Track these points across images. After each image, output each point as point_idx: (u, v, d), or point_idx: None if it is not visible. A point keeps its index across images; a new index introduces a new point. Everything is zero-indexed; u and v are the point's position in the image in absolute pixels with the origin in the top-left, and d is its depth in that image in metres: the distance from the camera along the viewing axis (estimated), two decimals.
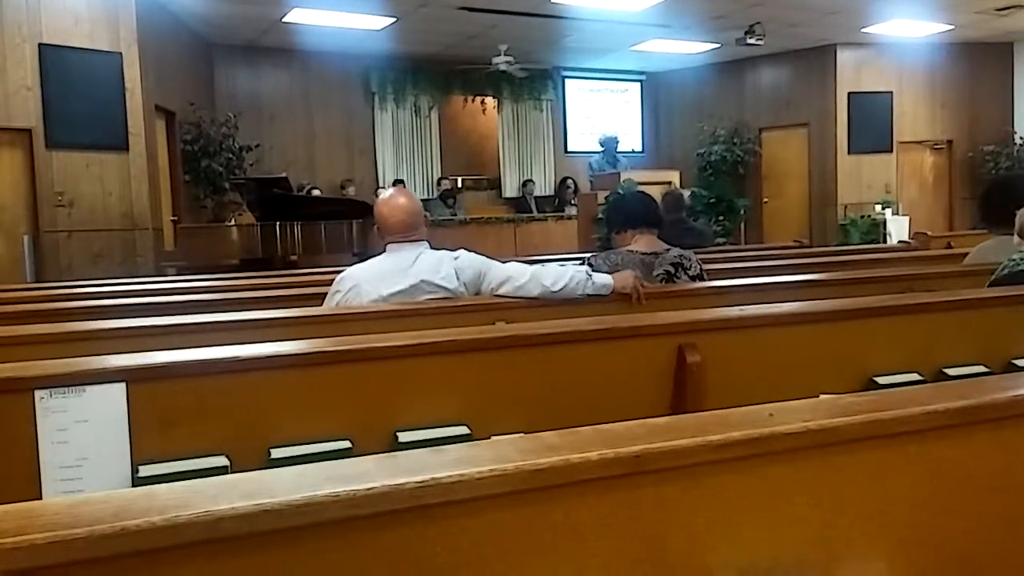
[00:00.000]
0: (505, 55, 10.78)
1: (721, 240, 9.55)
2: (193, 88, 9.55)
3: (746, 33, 9.97)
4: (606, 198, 6.29)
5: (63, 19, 7.08)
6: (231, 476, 0.96)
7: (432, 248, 2.91)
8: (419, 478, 0.90)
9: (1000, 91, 11.99)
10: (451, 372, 1.93)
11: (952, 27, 10.58)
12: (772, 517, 1.08)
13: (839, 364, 2.23)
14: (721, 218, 10.57)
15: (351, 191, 10.73)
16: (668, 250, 3.28)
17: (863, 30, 10.65)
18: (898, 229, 9.99)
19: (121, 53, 7.39)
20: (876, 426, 1.12)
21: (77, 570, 0.78)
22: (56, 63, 6.97)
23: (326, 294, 2.99)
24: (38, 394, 1.54)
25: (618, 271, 2.96)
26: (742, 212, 11.08)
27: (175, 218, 8.72)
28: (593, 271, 2.90)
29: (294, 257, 7.78)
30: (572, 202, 11.13)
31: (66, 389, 1.56)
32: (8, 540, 0.75)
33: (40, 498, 1.47)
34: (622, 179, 7.16)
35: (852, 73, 11.60)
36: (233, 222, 8.54)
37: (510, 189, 12.67)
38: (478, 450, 1.01)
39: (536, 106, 12.82)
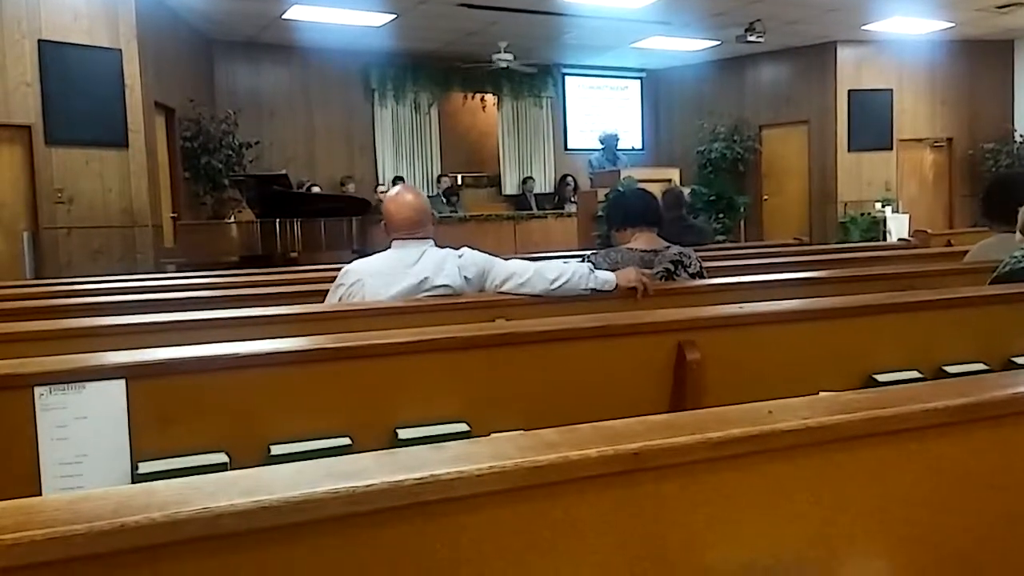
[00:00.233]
0: (505, 52, 10.77)
1: (721, 238, 9.55)
2: (193, 84, 9.54)
3: (746, 30, 9.97)
4: (606, 195, 6.29)
5: (62, 15, 7.08)
6: (231, 473, 0.96)
7: (437, 246, 2.92)
8: (418, 475, 0.90)
9: (1000, 89, 11.98)
10: (451, 369, 1.93)
11: (952, 24, 10.57)
12: (772, 514, 1.08)
13: (839, 361, 2.23)
14: (721, 215, 10.58)
15: (351, 188, 10.73)
16: (668, 248, 3.28)
17: (863, 27, 10.65)
18: (898, 227, 9.99)
19: (121, 49, 7.39)
20: (876, 423, 1.12)
21: (77, 566, 0.78)
22: (55, 59, 6.97)
23: (326, 291, 3.00)
24: (38, 391, 1.54)
25: (618, 269, 2.96)
26: (742, 210, 11.08)
27: (175, 215, 8.72)
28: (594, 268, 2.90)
29: (294, 254, 7.79)
30: (572, 199, 11.13)
31: (66, 386, 1.55)
32: (8, 536, 0.75)
33: (40, 495, 1.47)
34: (622, 176, 7.16)
35: (852, 70, 11.60)
36: (233, 219, 8.55)
37: (510, 186, 12.67)
38: (478, 447, 1.01)
39: (536, 103, 12.81)
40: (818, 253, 5.41)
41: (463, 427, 1.82)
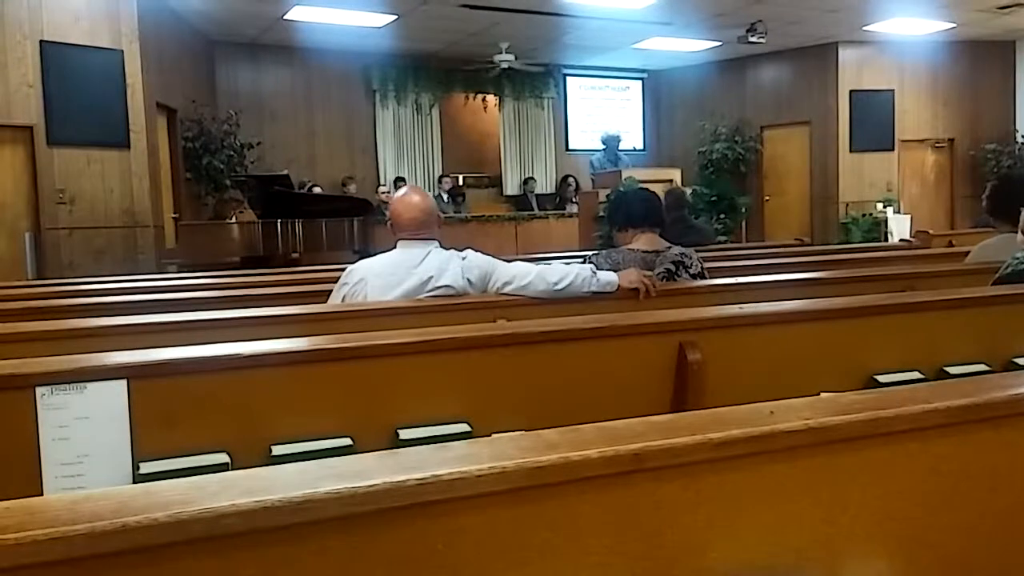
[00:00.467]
0: (507, 53, 10.77)
1: (722, 238, 9.54)
2: (194, 85, 9.55)
3: (748, 31, 9.97)
4: (607, 196, 6.28)
5: (64, 16, 7.08)
6: (232, 473, 0.96)
7: (442, 247, 2.92)
8: (420, 475, 0.90)
9: (1002, 89, 11.97)
10: (452, 369, 1.93)
11: (954, 25, 10.57)
12: (772, 515, 1.08)
13: (840, 362, 2.23)
14: (722, 216, 10.57)
15: (352, 189, 10.73)
16: (669, 248, 3.27)
17: (864, 28, 10.64)
18: (899, 227, 9.98)
19: (122, 50, 7.39)
20: (877, 424, 1.12)
21: (78, 566, 0.78)
22: (57, 60, 6.97)
23: (327, 291, 3.01)
24: (39, 391, 1.54)
25: (620, 269, 2.96)
26: (743, 210, 11.08)
27: (176, 215, 8.72)
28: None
29: (295, 255, 7.79)
30: (573, 200, 11.12)
31: (67, 386, 1.56)
32: (9, 536, 0.75)
33: (41, 495, 1.47)
34: (623, 177, 7.15)
35: (854, 71, 11.59)
36: (234, 219, 8.55)
37: (511, 187, 12.67)
38: (479, 447, 1.01)
39: (537, 104, 12.82)
40: (819, 254, 5.41)
41: (464, 427, 1.82)
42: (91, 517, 0.79)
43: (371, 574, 0.91)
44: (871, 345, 2.29)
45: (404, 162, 11.88)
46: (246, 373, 1.76)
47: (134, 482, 1.57)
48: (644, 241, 3.28)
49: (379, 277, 2.83)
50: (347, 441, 1.74)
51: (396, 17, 9.39)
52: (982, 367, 2.29)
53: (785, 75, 12.17)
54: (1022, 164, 11.41)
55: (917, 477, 1.16)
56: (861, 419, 1.11)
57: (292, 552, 0.87)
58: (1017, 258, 2.73)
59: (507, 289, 2.81)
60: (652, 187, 5.35)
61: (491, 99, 12.51)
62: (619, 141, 9.51)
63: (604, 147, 9.46)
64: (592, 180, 8.90)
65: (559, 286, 2.75)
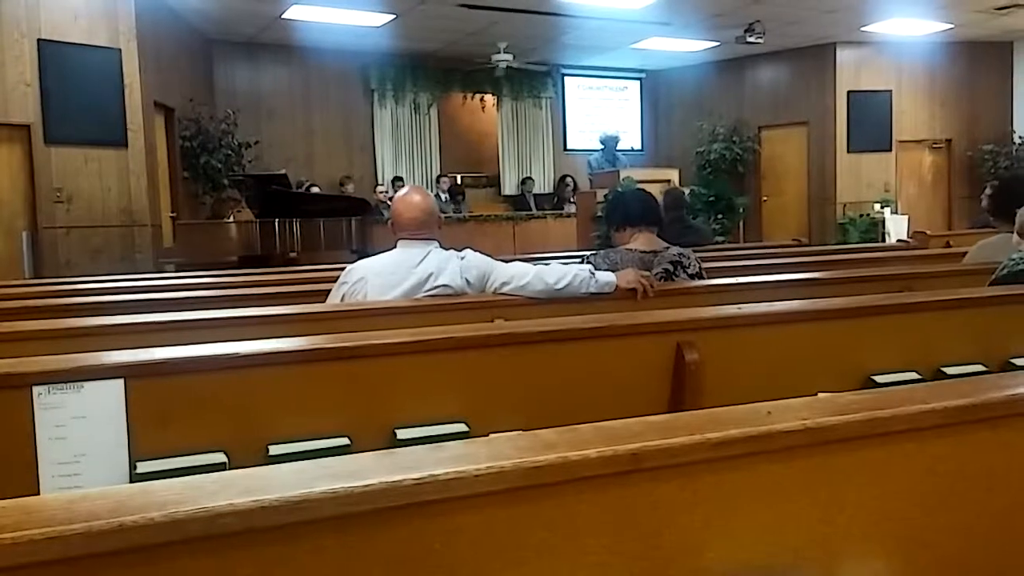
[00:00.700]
0: (505, 52, 10.77)
1: (720, 239, 9.54)
2: (192, 84, 9.54)
3: (746, 31, 9.97)
4: (605, 196, 6.29)
5: (62, 15, 7.07)
6: (229, 472, 0.96)
7: (443, 248, 2.93)
8: (417, 475, 0.90)
9: (999, 90, 11.99)
10: (450, 369, 1.93)
11: (951, 26, 10.58)
12: (769, 515, 1.08)
13: (837, 363, 2.24)
14: (720, 216, 10.58)
15: (350, 188, 10.73)
16: (667, 248, 3.28)
17: (862, 29, 10.65)
18: (897, 228, 9.98)
19: (120, 49, 7.38)
20: (874, 424, 1.12)
21: (75, 566, 0.78)
22: (55, 59, 6.96)
23: (325, 291, 3.01)
24: (36, 390, 1.53)
25: (618, 269, 2.97)
26: (741, 211, 11.09)
27: (174, 214, 8.71)
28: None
29: (293, 254, 7.79)
30: (571, 200, 11.12)
31: (64, 385, 1.55)
32: (6, 536, 0.75)
33: (38, 494, 1.47)
34: (621, 177, 7.15)
35: (851, 72, 11.60)
36: (232, 219, 8.55)
37: (509, 187, 12.67)
38: (476, 447, 1.01)
39: (535, 104, 12.82)
40: (817, 254, 5.41)
41: (462, 427, 1.82)
42: (88, 517, 0.79)
43: (368, 574, 0.91)
44: (868, 345, 2.29)
45: (402, 162, 11.88)
46: (243, 372, 1.75)
47: (131, 481, 1.57)
48: (642, 241, 3.28)
49: (379, 276, 2.84)
50: (344, 441, 1.74)
51: (394, 16, 9.39)
52: (979, 368, 2.30)
53: (783, 75, 12.18)
54: (1019, 165, 11.42)
55: (914, 477, 1.16)
56: (858, 419, 1.11)
57: (289, 552, 0.87)
58: (1014, 259, 2.73)
59: (505, 289, 2.81)
60: (650, 187, 5.36)
61: (489, 99, 12.51)
62: (617, 142, 9.51)
63: (603, 147, 9.46)
64: (590, 180, 8.90)
65: (557, 286, 2.76)
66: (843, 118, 11.59)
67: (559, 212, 11.14)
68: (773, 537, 1.09)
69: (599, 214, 6.67)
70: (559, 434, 1.04)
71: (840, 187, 11.66)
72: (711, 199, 10.60)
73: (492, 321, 2.49)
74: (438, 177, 11.76)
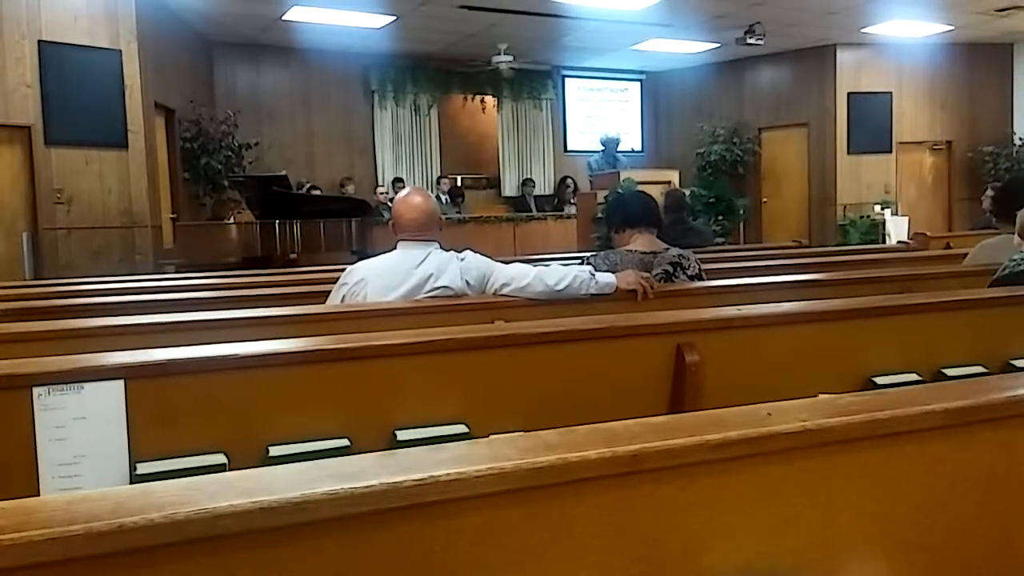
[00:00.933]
0: (505, 54, 10.78)
1: (720, 240, 9.54)
2: (193, 85, 9.54)
3: (746, 33, 9.97)
4: (605, 197, 6.29)
5: (62, 16, 7.08)
6: (229, 474, 0.96)
7: (443, 249, 2.93)
8: (417, 476, 0.90)
9: (999, 92, 11.99)
10: (450, 371, 1.93)
11: (952, 28, 10.58)
12: (769, 517, 1.08)
13: (838, 364, 2.23)
14: (720, 218, 10.57)
15: (350, 189, 10.72)
16: (667, 249, 3.28)
17: (863, 30, 10.65)
18: (897, 229, 9.98)
19: (120, 50, 7.38)
20: (874, 426, 1.12)
21: (75, 567, 0.78)
22: (55, 60, 6.97)
23: (325, 292, 3.01)
24: (36, 391, 1.53)
25: (617, 271, 2.97)
26: (741, 212, 11.08)
27: (174, 216, 8.71)
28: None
29: (293, 255, 7.79)
30: (571, 201, 11.12)
31: (64, 386, 1.55)
32: (6, 537, 0.75)
33: (38, 495, 1.47)
34: (621, 178, 7.15)
35: (852, 73, 11.60)
36: (232, 220, 8.54)
37: (509, 188, 12.67)
38: (476, 449, 1.01)
39: (536, 105, 12.82)
40: (817, 256, 5.41)
41: (462, 428, 1.82)
42: (88, 518, 0.79)
43: (368, 575, 0.91)
44: (869, 347, 2.29)
45: (402, 163, 11.88)
46: (244, 373, 1.75)
47: (131, 483, 1.57)
48: (642, 242, 3.28)
49: (380, 277, 2.84)
50: (344, 442, 1.74)
51: (395, 18, 9.39)
52: (979, 369, 2.29)
53: (783, 77, 12.18)
54: (1019, 166, 11.42)
55: (914, 479, 1.16)
56: (858, 421, 1.11)
57: (289, 553, 0.87)
58: (1014, 260, 2.73)
59: (505, 290, 2.82)
60: (650, 189, 5.36)
61: (489, 100, 12.51)
62: (618, 143, 9.51)
63: (603, 149, 9.46)
64: (590, 181, 8.90)
65: (557, 287, 2.76)
66: (843, 120, 11.59)
67: (559, 213, 11.13)
68: (773, 539, 1.09)
69: (599, 215, 6.67)
70: (559, 435, 1.04)
71: (840, 188, 11.66)
72: (711, 200, 10.59)
73: (492, 322, 2.49)
74: (438, 178, 11.76)
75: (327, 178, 11.11)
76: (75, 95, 7.03)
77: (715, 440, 1.03)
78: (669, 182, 7.39)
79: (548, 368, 2.02)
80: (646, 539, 1.02)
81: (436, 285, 2.81)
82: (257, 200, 8.31)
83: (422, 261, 2.85)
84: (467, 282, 2.84)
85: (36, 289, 4.35)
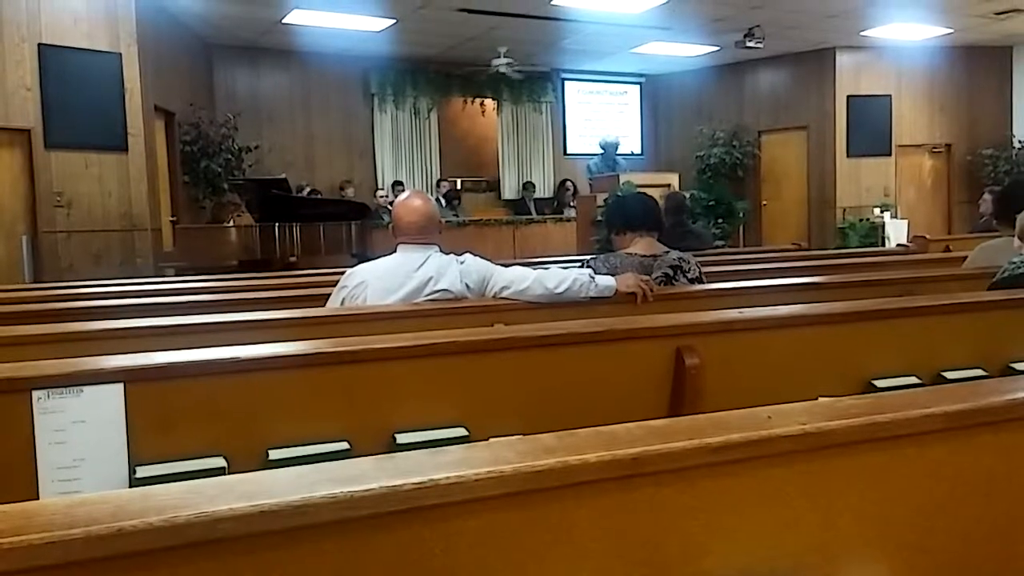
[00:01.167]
0: (505, 57, 10.79)
1: (720, 243, 9.54)
2: (192, 89, 9.55)
3: (745, 36, 9.98)
4: (605, 200, 6.29)
5: (62, 19, 7.08)
6: (229, 477, 0.96)
7: (443, 252, 2.93)
8: (417, 480, 0.89)
9: (999, 95, 12.00)
10: (449, 374, 1.93)
11: (951, 31, 10.59)
12: (769, 520, 1.08)
13: (837, 367, 2.23)
14: (720, 221, 10.57)
15: (350, 192, 10.73)
16: (667, 252, 3.28)
17: (862, 33, 10.67)
18: (896, 232, 9.99)
19: (120, 53, 7.39)
20: (874, 429, 1.12)
21: (74, 571, 0.78)
22: (55, 63, 6.97)
23: (325, 295, 3.01)
24: (36, 394, 1.53)
25: (617, 273, 2.97)
26: (741, 215, 11.08)
27: (174, 219, 8.72)
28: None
29: (293, 258, 7.79)
30: (571, 204, 11.13)
31: (64, 389, 1.55)
32: (5, 540, 0.75)
33: (37, 499, 1.47)
34: (621, 181, 7.16)
35: (851, 76, 11.62)
36: (232, 223, 8.54)
37: (509, 191, 12.68)
38: (476, 452, 1.01)
39: (535, 108, 12.83)
40: (817, 259, 5.42)
41: (461, 432, 1.82)
42: (87, 521, 0.79)
43: None
44: (869, 350, 2.29)
45: (402, 166, 11.89)
46: (243, 377, 1.75)
47: (131, 486, 1.57)
48: (642, 245, 3.28)
49: (380, 280, 2.84)
50: (344, 445, 1.74)
51: (394, 21, 9.40)
52: (979, 372, 2.29)
53: (783, 80, 12.19)
54: (1019, 169, 11.43)
55: (914, 482, 1.16)
56: (858, 424, 1.11)
57: (289, 556, 0.86)
58: (1014, 263, 2.73)
59: (505, 293, 2.82)
60: (650, 192, 5.36)
61: (489, 103, 12.52)
62: (617, 146, 9.52)
63: (602, 151, 9.46)
64: (590, 184, 8.91)
65: (557, 290, 2.76)
66: (843, 122, 11.60)
67: (559, 216, 11.14)
68: (773, 542, 1.09)
69: (599, 218, 6.68)
70: (559, 439, 1.04)
71: (840, 191, 11.67)
72: (711, 203, 10.59)
73: (492, 325, 2.49)
74: (438, 181, 11.77)
75: (327, 181, 11.12)
76: (75, 98, 7.03)
77: (715, 443, 1.03)
78: (669, 185, 7.40)
79: (548, 371, 2.01)
80: (646, 542, 1.02)
81: (436, 288, 2.81)
82: (257, 203, 8.31)
83: (422, 264, 2.85)
84: (467, 285, 2.84)
85: (36, 292, 4.35)
